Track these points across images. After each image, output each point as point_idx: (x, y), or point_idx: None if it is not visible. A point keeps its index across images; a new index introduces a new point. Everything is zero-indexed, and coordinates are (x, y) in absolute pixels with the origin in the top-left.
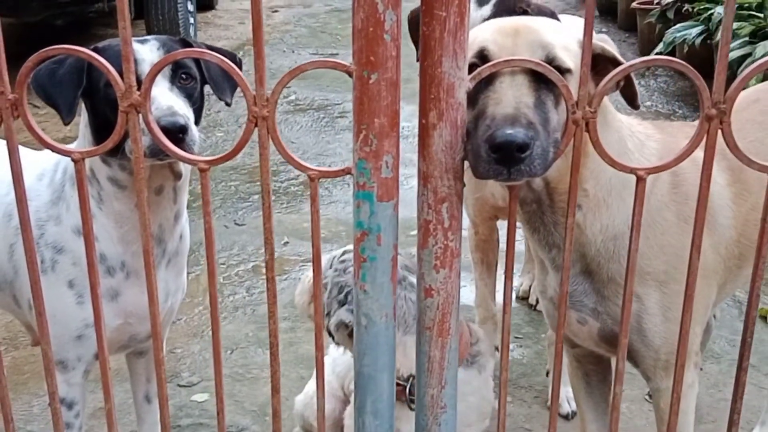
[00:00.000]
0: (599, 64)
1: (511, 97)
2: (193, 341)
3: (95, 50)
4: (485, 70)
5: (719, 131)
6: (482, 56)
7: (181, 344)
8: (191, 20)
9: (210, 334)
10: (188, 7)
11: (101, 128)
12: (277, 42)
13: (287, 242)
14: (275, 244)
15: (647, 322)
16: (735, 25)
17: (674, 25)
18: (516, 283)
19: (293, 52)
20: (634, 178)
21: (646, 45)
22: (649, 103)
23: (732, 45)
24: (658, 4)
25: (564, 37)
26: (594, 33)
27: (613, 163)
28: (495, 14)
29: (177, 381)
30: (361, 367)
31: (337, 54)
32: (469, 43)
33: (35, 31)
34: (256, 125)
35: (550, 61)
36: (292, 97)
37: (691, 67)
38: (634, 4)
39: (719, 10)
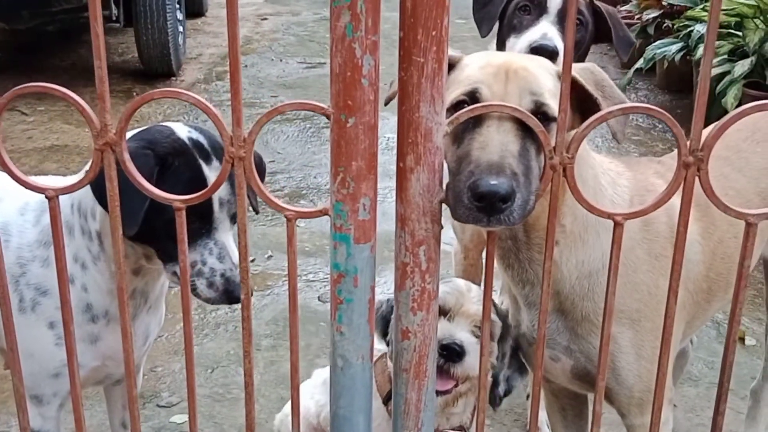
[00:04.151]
0: (584, 101)
1: (498, 143)
2: (174, 359)
3: (138, 138)
4: (463, 115)
5: (696, 178)
6: (473, 97)
7: (162, 362)
8: (180, 29)
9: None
10: (177, 16)
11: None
12: (266, 50)
13: (271, 256)
14: (259, 258)
15: (620, 360)
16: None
17: (654, 41)
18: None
19: (281, 60)
20: None
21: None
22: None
23: None
24: (639, 20)
25: (556, 82)
26: (582, 64)
27: (591, 209)
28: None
29: (157, 401)
30: (336, 408)
31: (324, 63)
32: (462, 78)
33: (26, 37)
34: (233, 166)
35: (539, 107)
36: None
37: (669, 115)
38: None
39: (699, 27)
